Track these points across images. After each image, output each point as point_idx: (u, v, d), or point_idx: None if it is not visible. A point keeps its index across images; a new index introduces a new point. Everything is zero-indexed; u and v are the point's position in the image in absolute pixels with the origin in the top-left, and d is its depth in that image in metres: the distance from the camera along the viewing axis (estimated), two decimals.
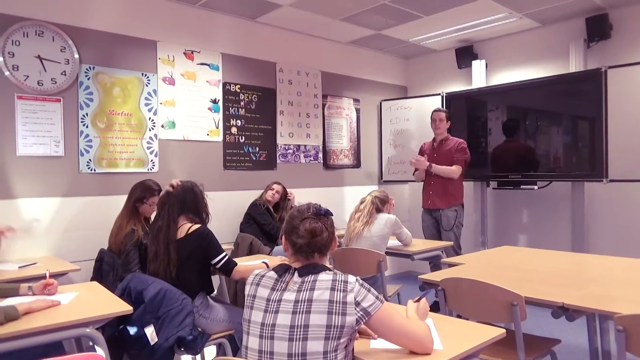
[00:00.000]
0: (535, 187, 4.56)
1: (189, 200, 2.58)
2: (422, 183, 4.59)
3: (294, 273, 1.51)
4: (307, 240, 1.53)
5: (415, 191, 5.89)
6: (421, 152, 4.65)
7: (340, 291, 1.42)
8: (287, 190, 4.44)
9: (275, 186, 4.35)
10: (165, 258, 2.48)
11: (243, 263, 2.82)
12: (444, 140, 4.49)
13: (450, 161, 4.38)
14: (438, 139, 4.52)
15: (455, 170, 4.35)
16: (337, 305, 1.40)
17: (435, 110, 4.53)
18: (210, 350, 3.07)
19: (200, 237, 2.49)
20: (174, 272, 2.46)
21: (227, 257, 2.54)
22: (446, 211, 4.38)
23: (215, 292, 3.26)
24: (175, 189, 2.61)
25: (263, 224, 4.14)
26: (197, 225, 2.52)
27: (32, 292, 2.19)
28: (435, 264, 4.09)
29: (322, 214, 1.59)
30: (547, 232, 4.80)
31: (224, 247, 2.63)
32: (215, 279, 2.98)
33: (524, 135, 4.75)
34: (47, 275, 2.30)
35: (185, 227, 2.51)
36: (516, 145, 4.78)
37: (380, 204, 3.45)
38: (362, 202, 3.49)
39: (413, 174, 4.76)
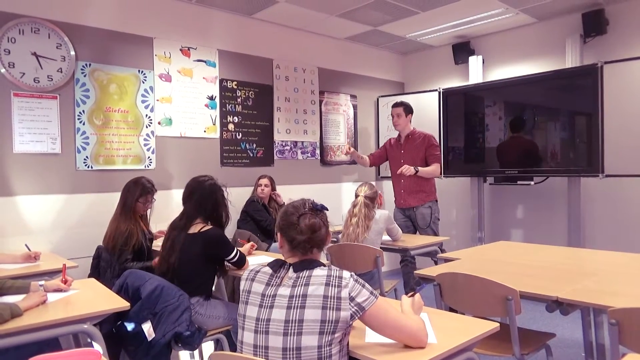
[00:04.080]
0: (532, 183, 4.57)
1: (208, 207, 2.65)
2: (391, 181, 4.52)
3: (289, 268, 1.52)
4: (308, 236, 1.53)
5: None
6: (384, 148, 4.60)
7: (334, 286, 1.43)
8: (275, 186, 4.44)
9: (261, 181, 4.35)
10: (172, 253, 2.57)
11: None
12: (410, 136, 4.36)
13: (420, 157, 4.27)
14: (403, 135, 4.40)
15: (436, 169, 4.29)
16: (332, 300, 1.41)
17: (392, 105, 4.42)
18: (208, 346, 3.08)
19: (217, 238, 2.58)
20: (176, 265, 2.54)
21: (239, 252, 2.69)
22: (420, 209, 4.26)
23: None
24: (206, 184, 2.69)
25: (260, 220, 4.16)
26: (210, 227, 2.60)
27: (44, 289, 2.15)
28: (412, 262, 4.18)
29: (319, 209, 1.60)
30: (543, 227, 4.82)
31: None
32: None
33: (521, 131, 4.76)
34: (64, 269, 2.30)
35: (199, 226, 2.59)
36: (513, 141, 4.78)
37: (371, 202, 3.44)
38: (354, 206, 3.42)
39: (350, 158, 5.02)
